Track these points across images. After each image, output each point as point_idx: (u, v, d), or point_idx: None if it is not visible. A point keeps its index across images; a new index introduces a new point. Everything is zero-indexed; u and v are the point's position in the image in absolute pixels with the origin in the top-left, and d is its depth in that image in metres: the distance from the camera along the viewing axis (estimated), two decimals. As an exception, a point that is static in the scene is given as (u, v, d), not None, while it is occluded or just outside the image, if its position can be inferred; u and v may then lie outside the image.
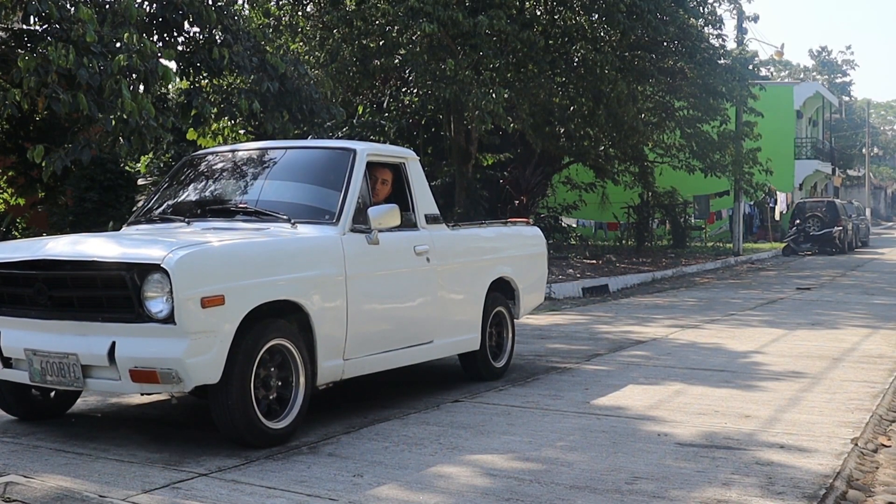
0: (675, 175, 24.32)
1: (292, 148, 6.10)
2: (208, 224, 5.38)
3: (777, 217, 31.72)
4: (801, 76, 68.12)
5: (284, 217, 5.24)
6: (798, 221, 27.20)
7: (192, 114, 10.42)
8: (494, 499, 3.83)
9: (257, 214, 5.34)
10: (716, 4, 20.96)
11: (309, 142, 7.25)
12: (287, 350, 4.75)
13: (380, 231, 5.39)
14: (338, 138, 16.94)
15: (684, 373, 6.96)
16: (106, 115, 8.61)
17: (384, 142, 21.19)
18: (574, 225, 26.37)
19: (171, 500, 3.76)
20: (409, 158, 6.13)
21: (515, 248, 7.14)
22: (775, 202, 30.56)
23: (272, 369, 4.70)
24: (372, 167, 5.77)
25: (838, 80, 70.03)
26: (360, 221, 5.31)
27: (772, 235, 31.52)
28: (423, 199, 6.08)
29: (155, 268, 4.28)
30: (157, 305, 4.29)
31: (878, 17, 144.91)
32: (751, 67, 30.59)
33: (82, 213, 11.55)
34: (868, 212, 47.96)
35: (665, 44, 18.70)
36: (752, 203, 30.83)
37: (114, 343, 4.36)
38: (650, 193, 24.90)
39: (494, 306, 6.72)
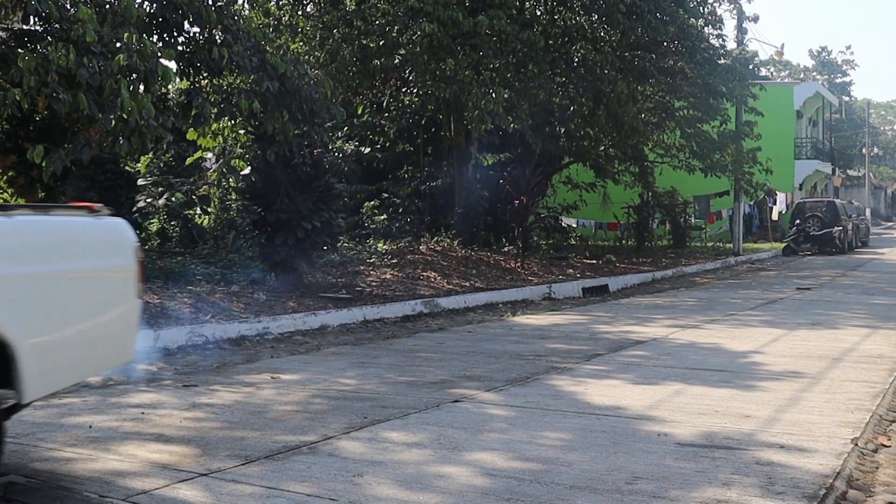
0: (675, 175, 24.35)
1: None
2: None
3: (776, 217, 31.74)
4: (801, 76, 68.18)
5: None
6: (798, 221, 27.22)
7: (192, 114, 10.41)
8: (494, 499, 3.83)
9: None
10: (716, 4, 21.03)
11: None
12: None
13: None
14: (338, 138, 16.93)
15: (684, 373, 6.96)
16: (106, 115, 8.59)
17: (384, 141, 21.18)
18: (574, 225, 26.39)
19: (172, 500, 3.76)
20: None
21: (23, 260, 3.82)
22: (775, 202, 30.59)
23: None
24: None
25: (838, 80, 70.10)
26: None
27: (772, 235, 31.52)
28: None
29: None
30: None
31: (878, 17, 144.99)
32: (751, 67, 30.68)
33: (82, 213, 11.52)
34: (868, 212, 48.01)
35: (665, 44, 18.73)
36: (751, 203, 30.86)
37: None
38: (650, 193, 24.93)
39: None
